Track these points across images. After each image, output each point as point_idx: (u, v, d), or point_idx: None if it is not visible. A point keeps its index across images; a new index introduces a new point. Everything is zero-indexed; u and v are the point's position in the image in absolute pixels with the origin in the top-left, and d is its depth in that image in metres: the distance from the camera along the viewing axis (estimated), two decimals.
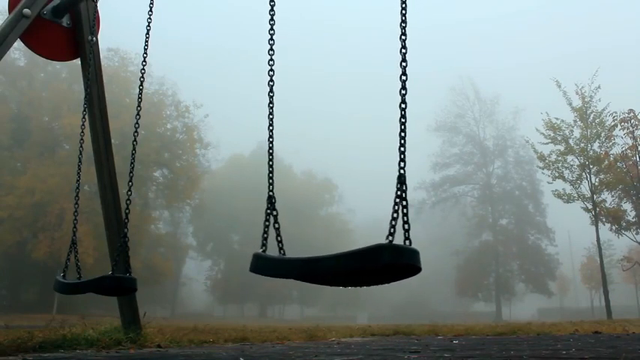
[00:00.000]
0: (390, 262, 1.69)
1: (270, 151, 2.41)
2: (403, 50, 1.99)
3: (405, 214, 1.79)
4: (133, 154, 3.61)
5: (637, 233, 22.02)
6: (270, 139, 2.44)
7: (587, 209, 21.71)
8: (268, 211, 2.21)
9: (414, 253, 1.74)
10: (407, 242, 1.76)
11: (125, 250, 3.45)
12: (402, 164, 1.85)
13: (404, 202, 1.79)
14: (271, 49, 2.51)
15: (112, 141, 4.70)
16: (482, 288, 48.07)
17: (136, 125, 3.60)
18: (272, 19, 2.54)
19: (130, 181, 3.59)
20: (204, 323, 13.17)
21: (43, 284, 31.84)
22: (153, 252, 39.18)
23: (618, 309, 26.60)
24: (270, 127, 2.46)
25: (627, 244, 29.34)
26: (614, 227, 21.90)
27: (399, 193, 1.80)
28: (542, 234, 47.72)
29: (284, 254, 2.12)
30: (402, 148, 1.88)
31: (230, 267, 56.21)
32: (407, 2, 2.04)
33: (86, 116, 4.21)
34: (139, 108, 3.65)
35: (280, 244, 2.17)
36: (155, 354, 3.62)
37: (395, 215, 1.77)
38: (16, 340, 3.74)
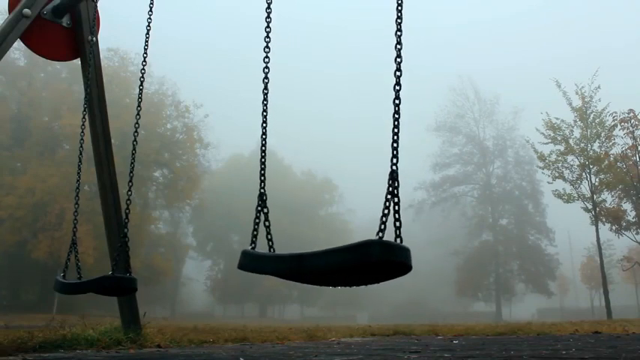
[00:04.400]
0: (379, 258, 1.64)
1: (263, 148, 2.40)
2: (398, 46, 1.98)
3: (397, 211, 1.76)
4: (133, 154, 3.61)
5: (637, 233, 22.00)
6: (263, 137, 2.44)
7: (587, 209, 21.68)
8: (259, 208, 2.18)
9: (405, 251, 1.70)
10: (398, 240, 1.72)
11: (125, 250, 3.45)
12: (394, 160, 1.83)
13: (395, 199, 1.76)
14: (267, 46, 2.51)
15: (112, 141, 4.70)
16: (482, 288, 48.07)
17: (136, 125, 3.60)
18: (269, 17, 2.55)
19: (130, 181, 3.59)
20: (204, 323, 13.20)
21: (43, 284, 31.82)
22: (153, 252, 39.17)
23: (618, 309, 26.58)
24: (264, 125, 2.45)
25: (627, 244, 29.31)
26: (614, 227, 21.88)
27: (390, 189, 1.77)
28: (542, 234, 47.72)
29: (273, 251, 2.09)
30: (395, 144, 1.86)
31: (230, 267, 56.15)
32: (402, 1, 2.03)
33: (86, 116, 4.22)
34: (139, 108, 3.65)
35: (270, 242, 2.14)
36: (155, 354, 3.62)
37: (386, 212, 1.74)
38: (16, 340, 3.74)
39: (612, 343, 4.15)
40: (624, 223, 21.85)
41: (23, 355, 3.26)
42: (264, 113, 2.46)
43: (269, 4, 2.56)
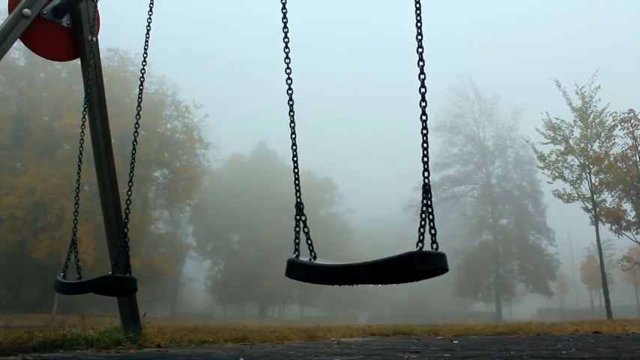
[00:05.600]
0: (422, 267, 1.80)
1: (295, 159, 2.46)
2: (421, 63, 2.04)
3: (432, 220, 1.87)
4: (133, 154, 3.61)
5: (637, 233, 21.98)
6: (294, 147, 2.46)
7: (587, 209, 21.67)
8: (297, 217, 2.29)
9: (442, 257, 1.84)
10: (434, 246, 1.85)
11: (125, 250, 3.44)
12: (425, 174, 1.93)
13: (430, 210, 1.88)
14: (287, 57, 2.54)
15: (112, 141, 4.70)
16: (482, 288, 48.05)
17: (136, 125, 3.60)
18: (285, 27, 2.57)
19: (130, 181, 3.59)
20: (204, 323, 13.19)
21: (43, 284, 31.82)
22: (153, 252, 39.17)
23: (618, 309, 26.58)
24: (293, 136, 2.48)
25: (627, 244, 29.31)
26: (614, 227, 21.86)
27: (425, 201, 1.88)
28: (542, 234, 47.69)
29: (315, 257, 2.19)
30: (426, 159, 1.97)
31: (230, 267, 56.22)
32: (422, 19, 2.05)
33: (86, 116, 4.21)
34: (139, 108, 3.65)
35: (311, 247, 2.24)
36: (155, 354, 3.62)
37: (423, 223, 1.86)
38: (16, 340, 3.74)
39: (612, 343, 4.15)
40: (624, 223, 21.83)
41: (23, 355, 3.26)
42: (292, 124, 2.50)
43: (284, 14, 2.58)
